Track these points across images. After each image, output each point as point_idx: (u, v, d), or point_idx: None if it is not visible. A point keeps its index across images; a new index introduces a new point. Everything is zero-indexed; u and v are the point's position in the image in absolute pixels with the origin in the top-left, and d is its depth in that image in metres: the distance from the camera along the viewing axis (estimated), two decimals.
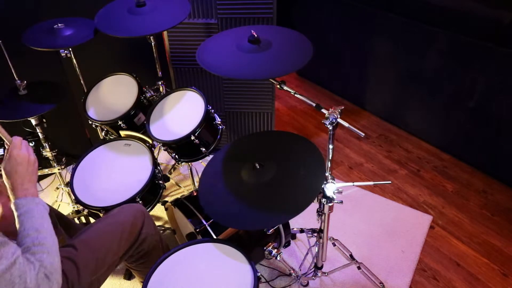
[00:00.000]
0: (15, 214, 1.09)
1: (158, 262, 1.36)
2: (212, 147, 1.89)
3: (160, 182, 1.86)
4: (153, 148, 1.88)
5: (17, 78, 1.84)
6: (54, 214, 1.62)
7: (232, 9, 2.13)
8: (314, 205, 1.45)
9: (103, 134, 2.17)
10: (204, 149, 1.85)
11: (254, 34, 1.47)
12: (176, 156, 1.91)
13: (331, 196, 1.44)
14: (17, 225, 1.08)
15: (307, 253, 1.97)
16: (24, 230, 1.06)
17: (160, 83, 2.17)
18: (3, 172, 1.13)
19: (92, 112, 2.02)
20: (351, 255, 1.82)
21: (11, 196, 1.12)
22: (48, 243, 1.06)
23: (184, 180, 2.50)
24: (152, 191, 1.80)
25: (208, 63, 1.46)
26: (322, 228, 1.59)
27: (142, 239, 1.50)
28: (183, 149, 1.88)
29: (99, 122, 1.97)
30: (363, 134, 1.30)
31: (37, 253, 1.02)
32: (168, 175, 2.15)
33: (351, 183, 1.55)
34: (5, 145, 1.18)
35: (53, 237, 1.10)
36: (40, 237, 1.06)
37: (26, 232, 1.06)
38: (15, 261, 0.95)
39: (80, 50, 2.03)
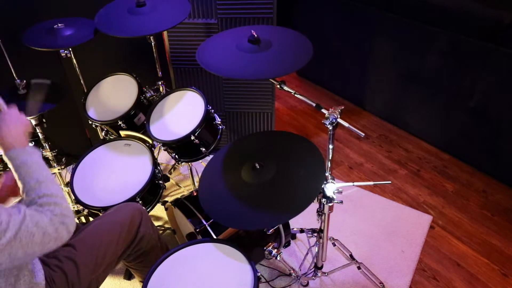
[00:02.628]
0: (11, 167, 1.08)
1: (158, 262, 1.36)
2: (212, 147, 1.89)
3: (160, 182, 1.86)
4: (153, 148, 1.88)
5: (17, 78, 1.84)
6: None
7: (232, 9, 2.13)
8: (314, 205, 1.45)
9: (103, 134, 2.17)
10: (204, 149, 1.85)
11: (254, 34, 1.47)
12: (176, 156, 1.91)
13: (331, 196, 1.44)
14: (17, 180, 1.07)
15: (307, 253, 1.97)
16: (25, 184, 1.06)
17: (160, 83, 2.17)
18: None
19: (92, 112, 2.02)
20: (351, 255, 1.82)
21: (2, 150, 1.11)
22: (52, 192, 1.06)
23: (184, 180, 2.50)
24: (152, 191, 1.80)
25: (208, 63, 1.46)
26: (322, 228, 1.60)
27: (140, 238, 1.50)
28: (183, 149, 1.88)
29: (99, 122, 1.97)
30: (363, 134, 1.30)
31: (44, 205, 1.03)
32: (168, 175, 2.15)
33: (351, 183, 1.54)
34: None
35: (54, 184, 1.08)
36: (43, 188, 1.05)
37: (28, 186, 1.05)
38: (25, 215, 0.96)
39: (80, 50, 2.03)
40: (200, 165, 2.44)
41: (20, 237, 0.94)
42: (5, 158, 1.09)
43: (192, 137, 1.78)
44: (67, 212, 1.05)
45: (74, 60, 2.05)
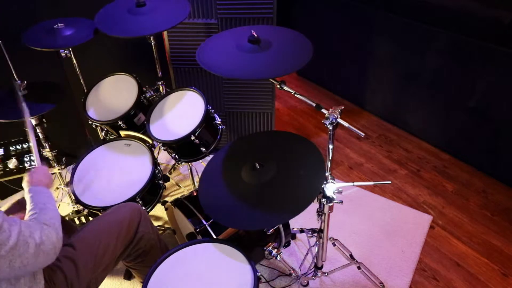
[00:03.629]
0: (27, 197, 1.22)
1: (158, 262, 1.36)
2: (212, 147, 1.89)
3: (160, 182, 1.86)
4: (153, 148, 1.88)
5: (17, 78, 1.83)
6: None
7: (232, 9, 2.13)
8: (314, 205, 1.45)
9: (103, 134, 2.17)
10: (204, 149, 1.85)
11: (254, 34, 1.47)
12: (176, 156, 1.91)
13: (331, 196, 1.44)
14: (27, 204, 1.21)
15: (307, 253, 1.97)
16: (31, 203, 1.19)
17: (160, 83, 2.17)
18: (25, 178, 1.29)
19: (92, 112, 2.02)
20: (351, 255, 1.82)
21: (26, 189, 1.26)
22: (52, 216, 1.17)
23: (184, 180, 2.50)
24: (152, 191, 1.80)
25: (208, 63, 1.46)
26: (322, 228, 1.59)
27: (139, 238, 1.50)
28: (183, 149, 1.88)
29: (99, 122, 1.97)
30: (363, 134, 1.30)
31: (41, 219, 1.13)
32: (168, 175, 2.15)
33: (351, 183, 1.54)
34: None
35: (56, 214, 1.20)
36: (47, 209, 1.18)
37: (34, 205, 1.19)
38: (20, 225, 1.05)
39: (80, 50, 2.03)
40: (200, 165, 2.44)
41: (19, 246, 1.01)
42: (27, 193, 1.25)
43: (192, 137, 1.78)
44: (53, 241, 1.12)
45: (74, 60, 2.05)
